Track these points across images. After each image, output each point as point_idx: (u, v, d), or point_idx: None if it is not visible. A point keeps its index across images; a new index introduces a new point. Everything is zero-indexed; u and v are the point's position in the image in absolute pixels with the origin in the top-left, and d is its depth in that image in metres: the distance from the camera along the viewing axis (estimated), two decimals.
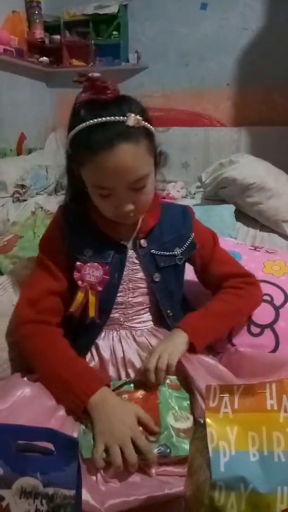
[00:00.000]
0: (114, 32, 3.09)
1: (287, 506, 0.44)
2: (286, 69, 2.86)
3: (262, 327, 1.02)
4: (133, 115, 0.74)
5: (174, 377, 0.80)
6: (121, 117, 0.73)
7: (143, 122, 0.76)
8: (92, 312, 0.83)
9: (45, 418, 0.71)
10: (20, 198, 2.55)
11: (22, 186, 2.58)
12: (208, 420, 0.48)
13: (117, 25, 3.05)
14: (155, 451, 0.68)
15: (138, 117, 0.75)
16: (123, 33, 3.07)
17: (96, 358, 0.86)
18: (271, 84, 2.91)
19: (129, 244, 0.88)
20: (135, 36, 3.15)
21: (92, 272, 0.84)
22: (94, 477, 0.65)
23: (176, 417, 0.72)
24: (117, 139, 0.73)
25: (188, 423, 0.72)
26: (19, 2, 3.05)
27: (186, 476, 0.53)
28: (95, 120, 0.73)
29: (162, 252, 0.89)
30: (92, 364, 0.85)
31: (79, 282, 0.84)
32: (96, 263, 0.84)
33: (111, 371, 0.84)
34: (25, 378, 0.79)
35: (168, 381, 0.79)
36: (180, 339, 0.83)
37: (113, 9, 3.02)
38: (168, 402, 0.75)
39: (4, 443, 0.52)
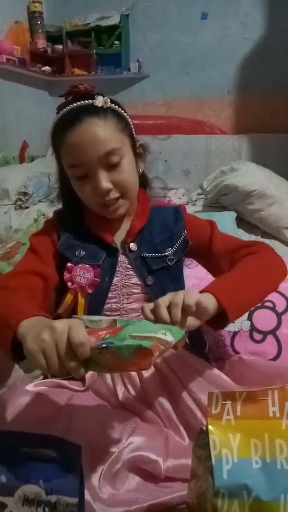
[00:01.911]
0: (116, 42, 3.12)
1: None
2: (286, 77, 2.89)
3: (264, 334, 1.02)
4: (100, 96, 0.80)
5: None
6: (89, 101, 0.79)
7: (113, 105, 0.81)
8: (80, 316, 0.81)
9: (46, 425, 0.71)
10: (23, 206, 2.56)
11: (25, 194, 2.59)
12: (210, 427, 0.48)
13: (119, 34, 3.08)
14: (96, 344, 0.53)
15: (106, 98, 0.80)
16: (124, 42, 3.11)
17: None
18: (272, 92, 2.93)
19: (120, 249, 0.88)
20: (136, 46, 3.18)
21: (82, 274, 0.82)
22: (96, 484, 0.65)
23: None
24: (84, 115, 0.77)
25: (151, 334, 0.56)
26: (22, 13, 3.09)
27: (188, 484, 0.53)
28: (65, 109, 0.80)
29: (153, 254, 0.87)
30: (88, 374, 0.84)
31: (69, 284, 0.82)
32: (87, 265, 0.83)
33: (108, 380, 0.83)
34: (26, 387, 0.79)
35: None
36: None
37: (114, 19, 3.05)
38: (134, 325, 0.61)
39: (8, 450, 0.52)
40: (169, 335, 0.57)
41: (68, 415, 0.72)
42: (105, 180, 0.79)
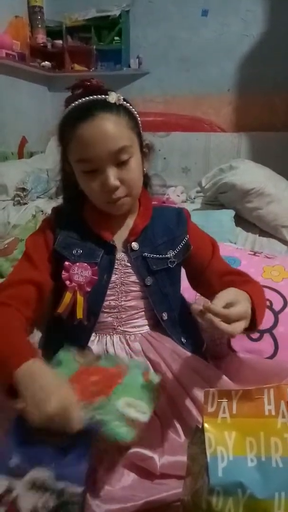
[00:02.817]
0: (116, 38, 3.10)
1: (284, 511, 0.44)
2: (286, 75, 2.88)
3: (261, 332, 1.02)
4: (114, 93, 0.79)
5: (157, 377, 0.71)
6: (103, 96, 0.79)
7: (125, 102, 0.81)
8: (80, 314, 0.81)
9: None
10: (21, 201, 2.55)
11: (23, 190, 2.58)
12: (206, 425, 0.49)
13: (119, 30, 3.06)
14: (87, 420, 0.59)
15: (119, 95, 0.80)
16: (124, 38, 3.09)
17: None
18: (272, 90, 2.93)
19: (121, 247, 0.88)
20: (136, 42, 3.17)
21: (80, 272, 0.82)
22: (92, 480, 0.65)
23: (129, 405, 0.64)
24: (97, 109, 0.77)
25: (140, 415, 0.63)
26: (21, 7, 3.06)
27: (183, 481, 0.54)
28: (76, 102, 0.79)
29: (154, 255, 0.87)
30: None
31: (67, 282, 0.82)
32: (85, 263, 0.83)
33: None
34: None
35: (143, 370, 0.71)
36: (248, 305, 0.72)
37: (115, 14, 3.03)
38: (130, 389, 0.66)
39: (24, 434, 0.52)
40: (146, 410, 0.64)
41: None
42: (113, 177, 0.78)
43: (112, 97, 0.78)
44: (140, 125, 0.86)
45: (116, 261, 0.86)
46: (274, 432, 0.47)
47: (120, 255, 0.87)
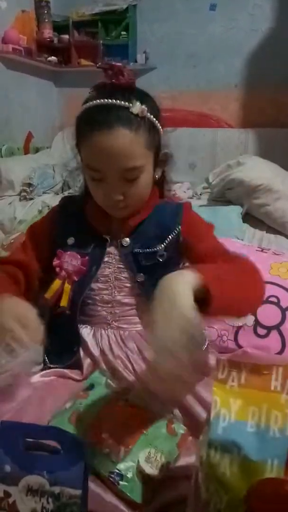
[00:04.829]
0: (123, 32, 3.10)
1: (276, 475, 0.46)
2: None
3: (269, 329, 1.02)
4: (138, 103, 0.75)
5: (182, 426, 0.73)
6: (126, 103, 0.74)
7: (148, 114, 0.77)
8: (64, 302, 0.83)
9: (50, 417, 0.71)
10: (27, 197, 2.57)
11: (29, 185, 2.59)
12: (214, 388, 0.51)
13: (126, 25, 3.06)
14: (108, 472, 0.62)
15: (143, 107, 0.75)
16: (131, 33, 3.08)
17: (87, 358, 0.85)
18: (280, 86, 2.91)
19: (115, 242, 0.86)
20: (143, 37, 3.16)
21: (70, 261, 0.84)
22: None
23: (149, 458, 0.65)
24: (117, 122, 0.73)
25: (155, 472, 0.64)
26: (28, 2, 3.06)
27: (192, 476, 0.53)
28: (100, 101, 0.75)
29: (144, 250, 0.85)
30: (86, 364, 0.84)
31: (57, 269, 0.84)
32: (75, 253, 0.85)
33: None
34: (30, 379, 0.79)
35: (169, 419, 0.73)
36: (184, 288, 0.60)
37: (122, 9, 3.02)
38: (153, 439, 0.68)
39: (13, 440, 0.52)
40: (164, 464, 0.65)
41: None
42: (117, 193, 0.78)
43: (136, 109, 0.74)
44: (161, 137, 0.82)
45: (110, 255, 0.85)
46: (277, 406, 0.49)
47: (113, 249, 0.86)
